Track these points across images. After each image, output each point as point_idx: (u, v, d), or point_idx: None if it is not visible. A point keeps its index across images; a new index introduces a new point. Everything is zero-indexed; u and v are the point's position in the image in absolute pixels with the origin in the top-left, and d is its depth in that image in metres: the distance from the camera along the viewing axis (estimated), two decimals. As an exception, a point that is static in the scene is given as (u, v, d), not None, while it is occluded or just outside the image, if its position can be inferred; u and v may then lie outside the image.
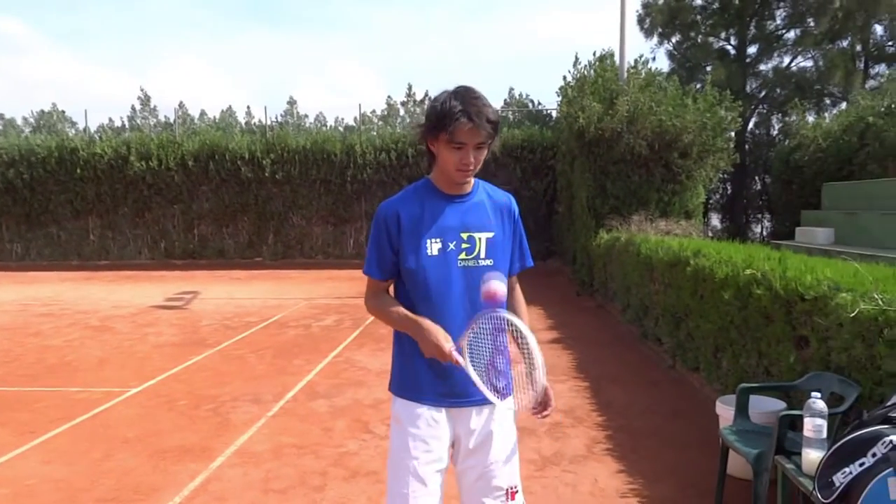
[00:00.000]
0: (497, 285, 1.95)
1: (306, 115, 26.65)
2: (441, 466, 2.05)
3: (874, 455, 2.08)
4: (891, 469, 1.98)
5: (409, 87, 25.29)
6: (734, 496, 3.49)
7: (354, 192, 17.43)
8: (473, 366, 1.94)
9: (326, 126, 24.63)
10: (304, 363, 6.76)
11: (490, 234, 2.05)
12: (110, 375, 6.37)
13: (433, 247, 1.99)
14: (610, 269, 9.38)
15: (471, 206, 2.05)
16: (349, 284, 13.45)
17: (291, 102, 26.56)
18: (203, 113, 26.70)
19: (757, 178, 21.22)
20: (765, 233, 19.96)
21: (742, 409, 3.44)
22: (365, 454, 4.27)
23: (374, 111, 24.99)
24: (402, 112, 24.83)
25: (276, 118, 25.43)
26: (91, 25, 57.94)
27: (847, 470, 2.12)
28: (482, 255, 2.03)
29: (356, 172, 17.22)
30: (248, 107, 38.41)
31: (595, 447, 4.37)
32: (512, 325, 1.90)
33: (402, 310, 2.03)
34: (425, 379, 2.05)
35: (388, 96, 30.59)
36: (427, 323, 1.96)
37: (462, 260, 2.01)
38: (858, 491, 2.03)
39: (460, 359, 1.93)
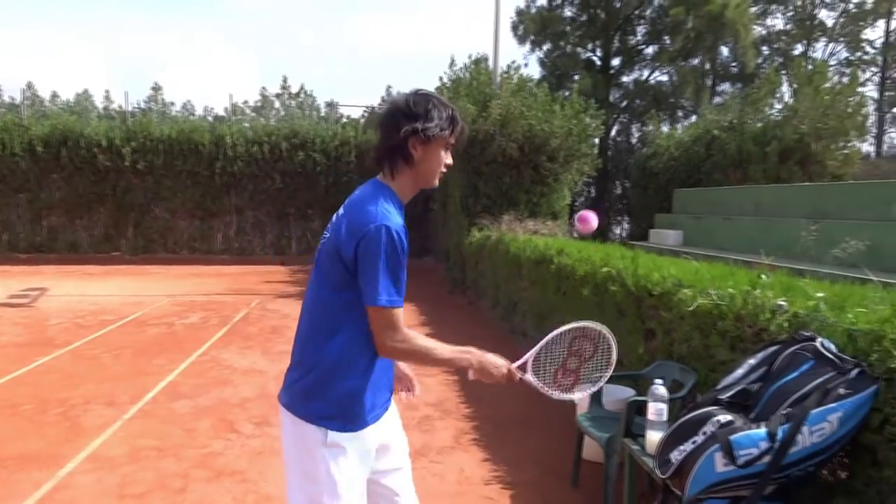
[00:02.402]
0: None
1: (172, 103, 25.18)
2: None
3: (705, 433, 2.30)
4: (717, 445, 2.20)
5: (285, 80, 24.53)
6: (589, 478, 3.73)
7: (224, 185, 16.76)
8: (540, 376, 2.12)
9: (194, 115, 23.47)
10: (166, 363, 6.44)
11: None
12: (-60, 379, 5.76)
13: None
14: (481, 266, 9.67)
15: None
16: (217, 280, 12.94)
17: (156, 88, 24.94)
18: (55, 95, 24.54)
19: (618, 182, 22.64)
20: (624, 234, 21.32)
21: (596, 397, 3.69)
22: (230, 454, 4.16)
23: (246, 102, 24.11)
24: (276, 104, 24.14)
25: (139, 104, 23.88)
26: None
27: (682, 448, 2.34)
28: None
29: (226, 164, 16.55)
30: (107, 91, 35.51)
31: (462, 438, 4.51)
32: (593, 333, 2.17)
33: (441, 343, 1.95)
34: (375, 400, 1.97)
35: (263, 87, 29.60)
36: (477, 350, 2.00)
37: None
38: (690, 466, 2.24)
39: (525, 376, 2.07)
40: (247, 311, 9.38)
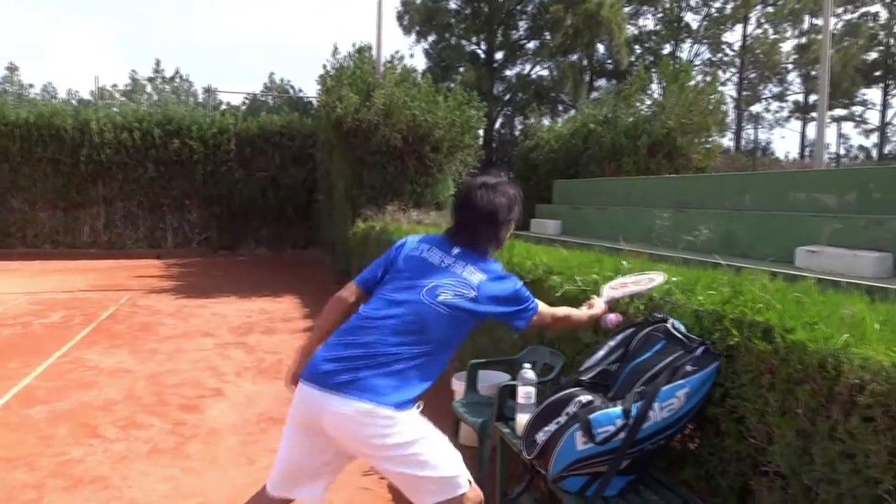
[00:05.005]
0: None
1: (31, 85, 23.27)
2: None
3: (567, 414, 2.40)
4: (578, 424, 2.30)
5: (158, 63, 23.24)
6: (465, 463, 3.79)
7: (90, 174, 15.61)
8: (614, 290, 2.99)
9: (56, 98, 21.76)
10: (21, 366, 5.93)
11: None
12: None
13: None
14: (366, 257, 9.59)
15: None
16: (82, 276, 12.08)
17: (12, 69, 22.95)
18: None
19: (503, 173, 23.14)
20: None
21: (472, 384, 3.76)
22: (91, 460, 3.89)
23: (115, 85, 22.61)
24: (149, 88, 22.82)
25: (-9, 85, 21.83)
26: None
27: (547, 429, 2.42)
28: None
29: (92, 152, 15.41)
30: (-47, 69, 32.08)
31: (342, 431, 4.45)
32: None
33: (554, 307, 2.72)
34: None
35: (133, 70, 27.78)
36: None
37: None
38: (553, 445, 2.33)
39: (613, 294, 2.98)
40: (115, 309, 8.82)
